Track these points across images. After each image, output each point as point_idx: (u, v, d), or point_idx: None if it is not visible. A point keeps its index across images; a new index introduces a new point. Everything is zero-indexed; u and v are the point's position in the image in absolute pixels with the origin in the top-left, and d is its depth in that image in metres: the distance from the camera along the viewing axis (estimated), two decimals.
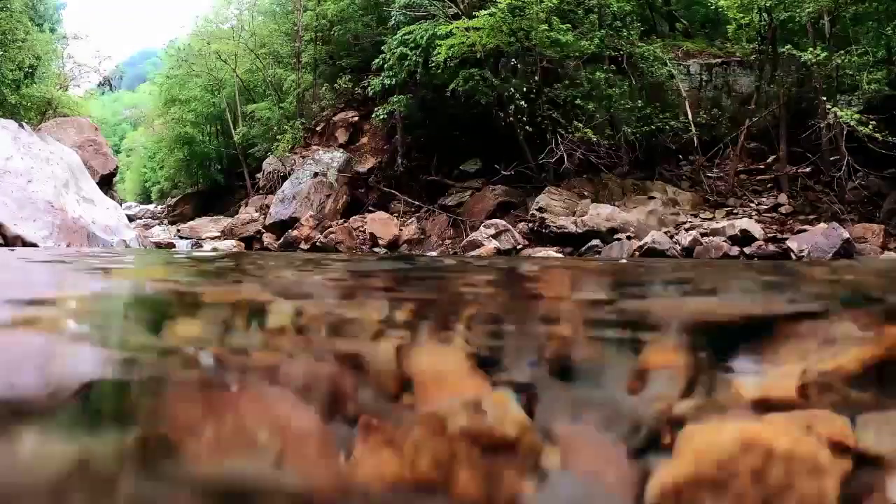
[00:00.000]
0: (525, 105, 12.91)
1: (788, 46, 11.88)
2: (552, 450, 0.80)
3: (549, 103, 13.22)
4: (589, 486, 0.77)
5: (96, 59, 25.83)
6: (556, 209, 12.36)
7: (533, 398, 0.97)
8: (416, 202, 15.15)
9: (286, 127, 17.91)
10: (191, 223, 18.85)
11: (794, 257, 9.77)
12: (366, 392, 1.01)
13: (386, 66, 14.66)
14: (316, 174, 16.06)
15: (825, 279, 4.16)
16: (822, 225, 10.33)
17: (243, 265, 5.46)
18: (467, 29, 12.72)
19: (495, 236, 12.12)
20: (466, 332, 1.73)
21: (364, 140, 17.27)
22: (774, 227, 11.27)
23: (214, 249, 13.44)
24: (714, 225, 11.30)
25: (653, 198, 12.62)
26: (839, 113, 10.52)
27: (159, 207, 28.34)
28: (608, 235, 11.49)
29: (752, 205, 12.23)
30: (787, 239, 10.39)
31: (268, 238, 15.52)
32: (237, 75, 22.54)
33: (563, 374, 1.20)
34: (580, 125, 12.54)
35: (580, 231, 11.70)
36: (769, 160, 13.28)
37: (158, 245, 13.37)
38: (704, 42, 15.41)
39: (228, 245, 14.65)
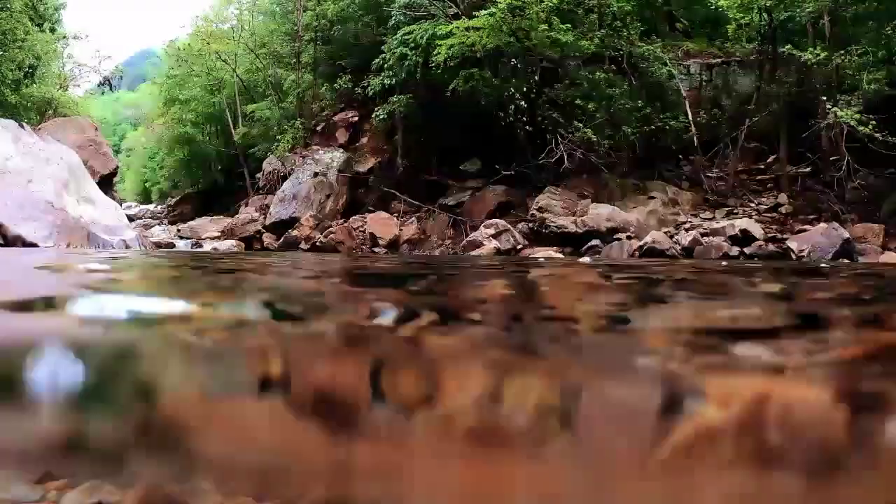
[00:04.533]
0: (525, 105, 12.90)
1: (788, 46, 11.88)
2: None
3: (549, 103, 13.21)
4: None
5: (96, 59, 25.76)
6: (556, 209, 12.36)
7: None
8: (416, 202, 15.14)
9: (286, 127, 17.90)
10: (191, 223, 18.83)
11: (794, 257, 9.77)
12: None
13: (386, 66, 14.66)
14: (316, 174, 16.06)
15: None
16: (823, 225, 10.33)
17: None
18: (467, 29, 12.72)
19: (495, 236, 12.12)
20: None
21: (364, 140, 17.26)
22: (774, 227, 11.27)
23: (214, 250, 13.45)
24: (714, 225, 11.29)
25: (653, 198, 12.62)
26: (839, 113, 10.52)
27: (159, 207, 28.29)
28: (608, 235, 11.49)
29: (752, 205, 12.23)
30: (787, 239, 10.39)
31: (268, 238, 15.51)
32: (237, 75, 22.53)
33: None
34: (580, 125, 12.53)
35: (580, 231, 11.70)
36: (769, 160, 13.27)
37: (158, 245, 13.37)
38: (704, 42, 15.38)
39: (228, 245, 14.64)
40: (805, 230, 10.54)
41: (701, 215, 12.15)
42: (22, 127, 11.99)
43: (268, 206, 16.62)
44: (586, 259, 8.96)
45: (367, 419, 0.92)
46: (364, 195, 16.32)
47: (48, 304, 1.74)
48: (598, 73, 13.02)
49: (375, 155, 16.77)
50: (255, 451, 0.78)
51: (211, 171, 25.70)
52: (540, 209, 12.33)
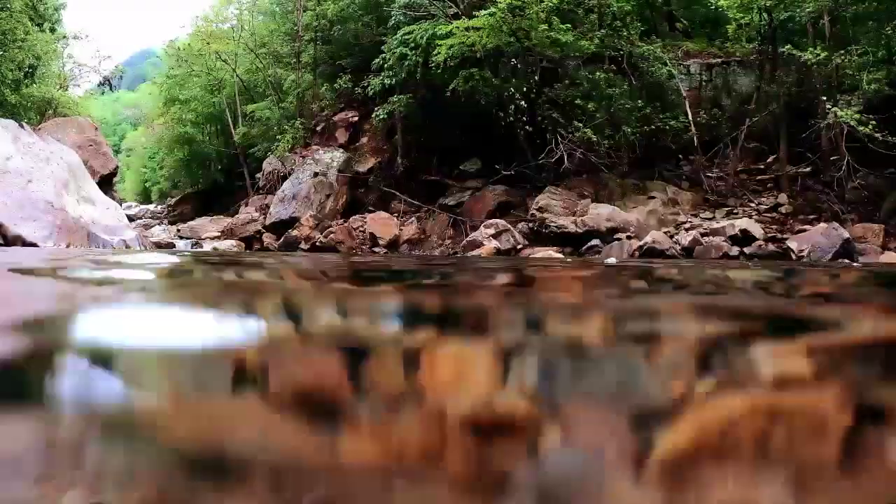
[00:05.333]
0: (525, 105, 12.90)
1: (788, 46, 11.89)
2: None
3: (549, 103, 13.21)
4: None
5: (96, 59, 25.73)
6: (556, 209, 12.36)
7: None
8: (416, 202, 15.15)
9: (286, 127, 17.90)
10: (191, 223, 18.83)
11: (793, 257, 9.77)
12: None
13: (386, 66, 14.66)
14: (316, 174, 16.06)
15: None
16: (822, 225, 10.33)
17: None
18: (467, 29, 12.72)
19: (495, 236, 12.12)
20: None
21: (364, 140, 17.26)
22: (774, 227, 11.27)
23: (214, 249, 13.45)
24: (714, 225, 11.30)
25: (653, 198, 12.62)
26: (839, 113, 10.52)
27: (159, 207, 28.30)
28: (608, 235, 11.49)
29: (752, 205, 12.23)
30: (787, 239, 10.40)
31: (268, 238, 15.51)
32: (237, 75, 22.53)
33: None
34: (580, 125, 12.53)
35: (580, 231, 11.70)
36: (769, 160, 13.28)
37: (158, 245, 13.37)
38: (704, 42, 15.39)
39: (228, 245, 14.65)
40: (805, 230, 10.54)
41: (701, 215, 12.16)
42: (22, 127, 12.00)
43: (268, 206, 16.63)
44: (612, 260, 8.90)
45: None
46: (364, 195, 16.32)
47: None
48: (598, 73, 13.03)
49: (375, 155, 16.77)
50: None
51: (211, 171, 25.71)
52: (540, 209, 12.34)
